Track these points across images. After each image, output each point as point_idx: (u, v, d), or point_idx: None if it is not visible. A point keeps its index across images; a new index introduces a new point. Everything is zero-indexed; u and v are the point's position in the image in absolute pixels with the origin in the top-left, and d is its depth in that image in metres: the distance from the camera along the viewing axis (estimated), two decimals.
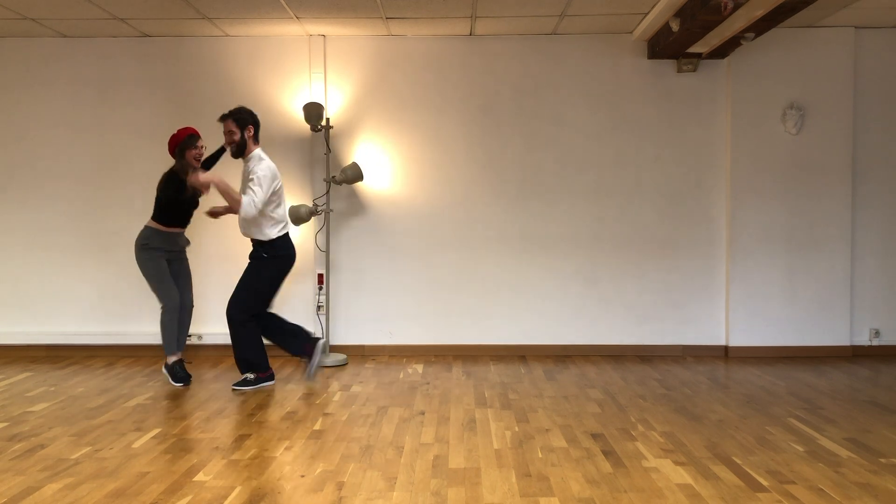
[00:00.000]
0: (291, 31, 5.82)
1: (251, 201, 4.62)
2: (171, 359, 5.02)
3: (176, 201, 4.93)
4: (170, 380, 5.01)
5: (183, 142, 4.88)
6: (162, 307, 4.97)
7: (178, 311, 4.98)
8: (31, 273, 6.08)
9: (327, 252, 5.85)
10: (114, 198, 6.04)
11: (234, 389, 4.83)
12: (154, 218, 4.97)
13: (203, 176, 4.68)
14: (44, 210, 6.06)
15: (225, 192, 4.69)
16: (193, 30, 5.80)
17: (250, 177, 4.71)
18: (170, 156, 4.99)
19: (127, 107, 6.03)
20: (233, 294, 4.85)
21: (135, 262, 4.90)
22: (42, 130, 6.05)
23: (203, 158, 5.01)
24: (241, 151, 4.82)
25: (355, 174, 5.68)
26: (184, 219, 5.07)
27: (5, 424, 4.04)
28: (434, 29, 5.79)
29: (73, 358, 5.91)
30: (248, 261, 4.90)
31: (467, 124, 5.99)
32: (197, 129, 5.01)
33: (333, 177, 5.74)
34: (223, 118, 4.85)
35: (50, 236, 6.07)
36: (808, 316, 5.91)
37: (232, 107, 5.92)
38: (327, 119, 5.78)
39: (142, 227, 5.00)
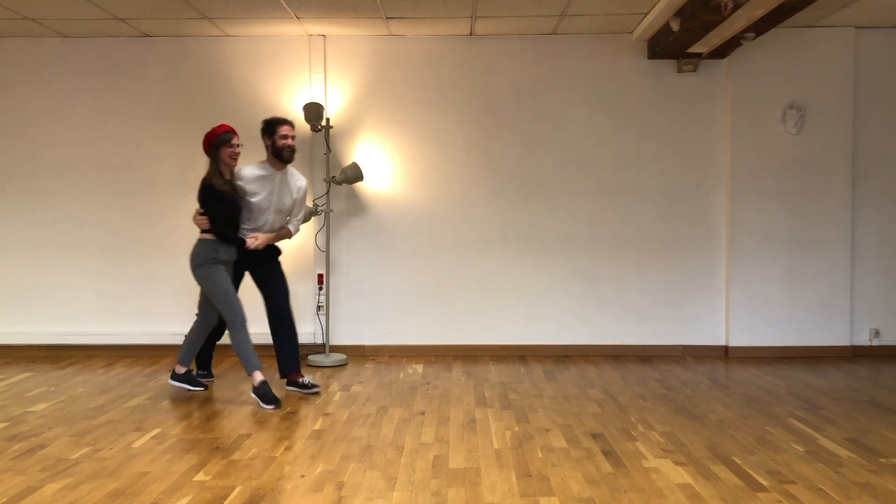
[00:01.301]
0: (291, 31, 5.82)
1: (300, 224, 5.01)
2: (258, 377, 4.48)
3: (226, 209, 4.51)
4: (260, 403, 4.42)
5: (217, 138, 4.49)
6: (230, 323, 4.50)
7: (246, 323, 4.53)
8: (32, 273, 6.08)
9: (327, 252, 5.85)
10: (114, 197, 6.04)
11: (315, 392, 4.76)
12: (210, 231, 4.51)
13: (260, 240, 4.61)
14: (44, 209, 6.06)
15: (276, 239, 4.83)
16: (193, 30, 5.80)
17: (302, 195, 4.90)
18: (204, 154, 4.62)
19: (127, 107, 6.03)
20: (286, 293, 4.86)
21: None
22: (42, 130, 6.04)
23: (238, 159, 4.61)
24: None
25: (355, 174, 5.68)
26: (237, 226, 4.63)
27: (5, 424, 4.04)
28: (434, 29, 5.79)
29: (73, 358, 5.91)
30: (273, 262, 4.86)
31: (467, 124, 5.99)
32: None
33: (333, 177, 5.74)
34: (289, 123, 4.74)
35: (50, 236, 6.06)
36: (808, 316, 5.90)
37: (232, 106, 5.99)
38: (327, 119, 5.78)
39: (196, 242, 4.57)
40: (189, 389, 4.78)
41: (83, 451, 3.58)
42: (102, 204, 6.05)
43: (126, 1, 5.10)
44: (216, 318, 4.71)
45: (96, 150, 6.04)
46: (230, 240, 4.53)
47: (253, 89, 5.99)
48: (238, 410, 4.34)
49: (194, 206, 6.09)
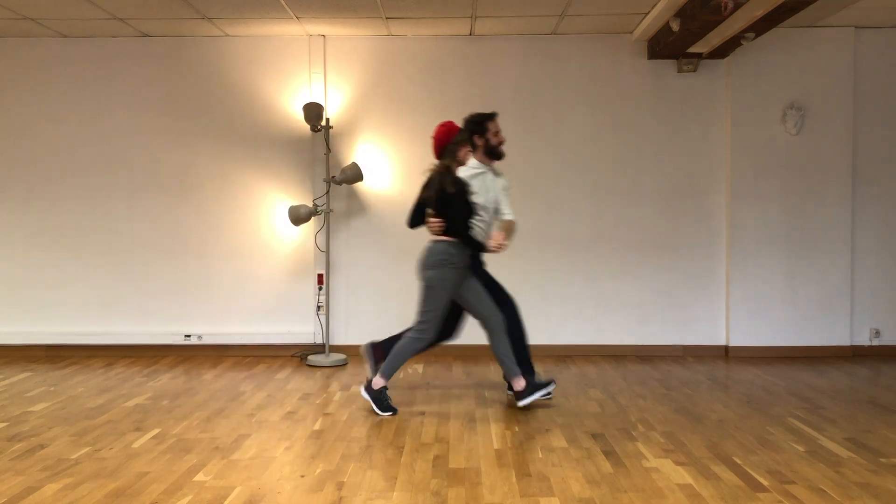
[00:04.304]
0: (291, 31, 5.82)
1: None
2: (522, 383, 4.28)
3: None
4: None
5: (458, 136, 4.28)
6: (494, 327, 4.29)
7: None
8: (32, 273, 6.07)
9: (327, 252, 5.85)
10: (114, 198, 6.04)
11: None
12: (453, 234, 4.16)
13: (502, 239, 4.22)
14: (44, 210, 6.06)
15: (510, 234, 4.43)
16: (193, 30, 5.80)
17: (507, 186, 4.61)
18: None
19: (127, 107, 6.02)
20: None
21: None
22: (42, 130, 6.04)
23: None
24: None
25: (355, 174, 5.68)
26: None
27: (5, 424, 4.04)
28: (434, 29, 5.79)
29: (73, 358, 5.91)
30: (479, 268, 4.55)
31: None
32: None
33: (333, 177, 5.74)
34: (496, 115, 4.46)
35: (50, 236, 6.06)
36: (808, 316, 5.90)
37: (232, 107, 5.99)
38: (327, 119, 5.78)
39: (441, 245, 4.18)
40: (376, 412, 4.23)
41: (83, 451, 3.58)
42: (102, 204, 6.04)
43: (126, 1, 5.10)
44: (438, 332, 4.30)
45: (96, 150, 6.04)
46: (478, 244, 4.21)
47: (253, 89, 5.99)
48: (238, 410, 4.34)
49: (193, 205, 6.09)
